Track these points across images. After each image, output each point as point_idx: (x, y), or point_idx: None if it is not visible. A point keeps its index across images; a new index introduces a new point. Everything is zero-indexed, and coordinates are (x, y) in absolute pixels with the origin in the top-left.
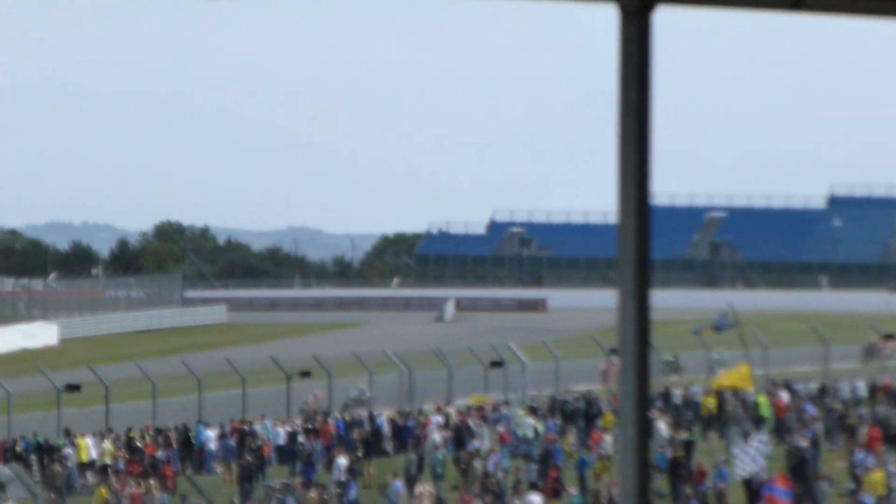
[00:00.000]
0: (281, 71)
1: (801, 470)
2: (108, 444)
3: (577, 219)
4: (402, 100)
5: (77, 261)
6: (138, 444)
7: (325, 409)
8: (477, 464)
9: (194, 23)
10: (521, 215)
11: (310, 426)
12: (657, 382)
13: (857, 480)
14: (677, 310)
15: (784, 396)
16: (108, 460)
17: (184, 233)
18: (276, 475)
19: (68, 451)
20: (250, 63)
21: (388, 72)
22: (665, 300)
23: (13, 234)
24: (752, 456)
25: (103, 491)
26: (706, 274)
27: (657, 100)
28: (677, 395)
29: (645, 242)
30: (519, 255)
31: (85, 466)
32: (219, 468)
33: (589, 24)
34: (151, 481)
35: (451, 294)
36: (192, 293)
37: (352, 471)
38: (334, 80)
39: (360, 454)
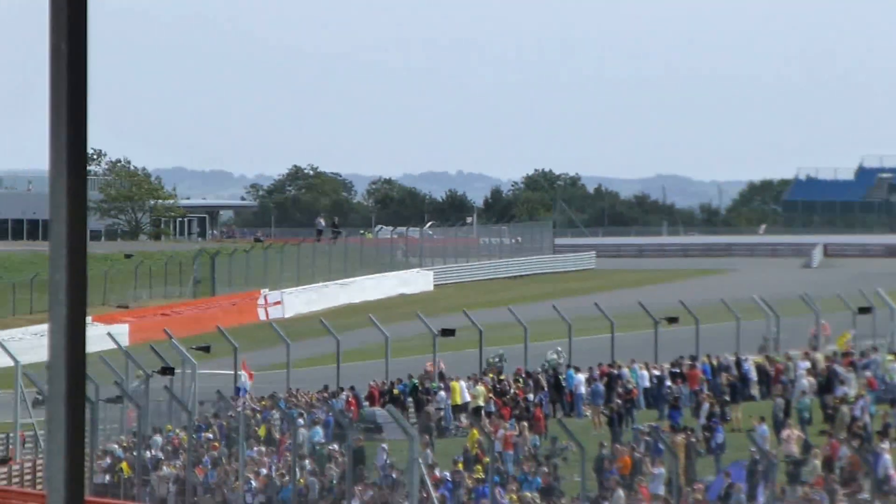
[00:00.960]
0: (648, 18)
1: None
2: (480, 387)
3: None
4: (771, 43)
5: (452, 209)
6: (510, 387)
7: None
8: (844, 409)
9: None
10: (892, 161)
11: (677, 371)
12: None
13: None
14: None
15: None
16: (480, 403)
17: (555, 181)
18: (644, 419)
19: (442, 394)
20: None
21: (752, 13)
22: None
23: (390, 183)
24: None
25: (476, 433)
26: None
27: None
28: None
29: None
30: (888, 201)
31: (458, 409)
32: (588, 411)
33: None
34: (523, 423)
35: (819, 240)
36: (561, 241)
37: (715, 415)
38: (696, 19)
39: (726, 398)
